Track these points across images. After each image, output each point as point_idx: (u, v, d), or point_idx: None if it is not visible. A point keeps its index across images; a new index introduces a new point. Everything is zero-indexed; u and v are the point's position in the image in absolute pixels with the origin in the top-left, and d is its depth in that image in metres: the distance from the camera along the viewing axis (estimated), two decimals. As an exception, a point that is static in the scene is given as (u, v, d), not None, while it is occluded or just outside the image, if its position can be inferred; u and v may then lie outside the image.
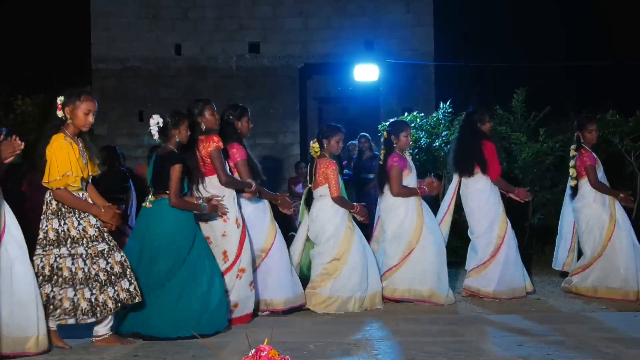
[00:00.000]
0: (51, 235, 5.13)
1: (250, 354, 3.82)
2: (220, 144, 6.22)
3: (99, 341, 5.30)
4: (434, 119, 10.85)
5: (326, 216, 6.96)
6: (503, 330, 5.78)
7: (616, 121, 10.12)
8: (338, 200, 6.92)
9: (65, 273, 5.08)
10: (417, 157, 10.54)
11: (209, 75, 14.21)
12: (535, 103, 11.02)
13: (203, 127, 6.26)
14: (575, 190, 7.72)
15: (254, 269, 6.53)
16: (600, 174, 7.63)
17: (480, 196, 7.51)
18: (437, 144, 10.34)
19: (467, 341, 5.38)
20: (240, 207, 6.39)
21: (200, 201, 5.87)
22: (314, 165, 7.07)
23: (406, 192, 7.23)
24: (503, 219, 7.44)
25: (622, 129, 10.10)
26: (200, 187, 6.20)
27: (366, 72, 13.84)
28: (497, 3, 17.50)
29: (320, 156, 7.05)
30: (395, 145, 7.33)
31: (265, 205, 6.76)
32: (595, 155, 7.67)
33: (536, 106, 10.97)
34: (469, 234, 7.70)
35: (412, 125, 10.77)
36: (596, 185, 7.53)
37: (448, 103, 10.88)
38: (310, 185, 7.14)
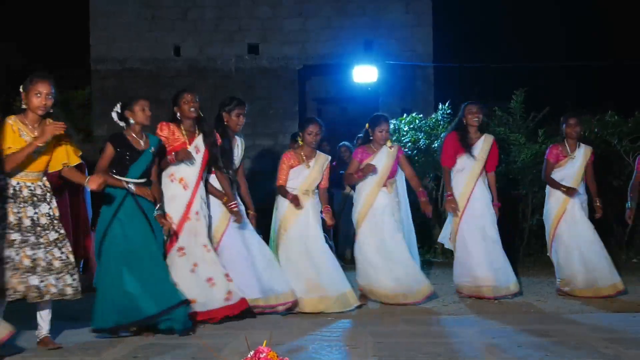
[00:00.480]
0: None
1: (249, 355, 3.83)
2: (157, 131, 6.24)
3: (40, 343, 5.28)
4: (433, 120, 10.86)
5: (277, 205, 7.13)
6: (502, 331, 5.78)
7: (615, 122, 10.14)
8: (278, 190, 7.07)
9: (26, 262, 5.09)
10: (416, 158, 10.54)
11: (208, 76, 14.22)
12: (534, 104, 11.02)
13: (178, 115, 6.35)
14: None
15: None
16: (565, 170, 7.64)
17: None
18: (436, 145, 10.34)
19: (466, 342, 5.38)
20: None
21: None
22: None
23: (349, 179, 7.41)
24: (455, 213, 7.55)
25: (621, 130, 10.12)
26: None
27: (365, 73, 13.84)
28: (497, 4, 17.50)
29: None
30: (371, 138, 7.42)
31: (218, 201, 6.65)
32: (570, 152, 7.67)
33: (535, 107, 10.97)
34: None
35: (411, 126, 10.79)
36: (545, 179, 7.73)
37: (447, 104, 10.89)
38: None
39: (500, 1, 17.62)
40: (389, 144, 7.40)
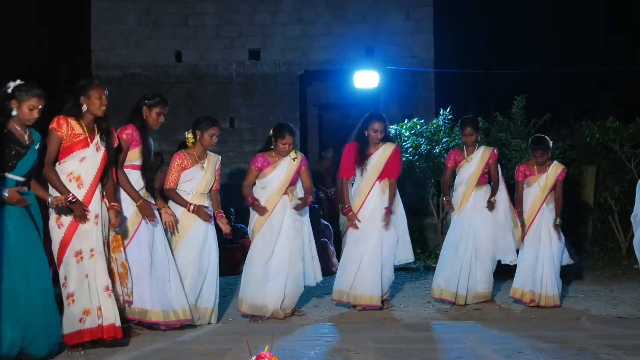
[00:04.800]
0: None
1: (250, 361, 3.83)
2: (54, 125, 5.40)
3: None
4: (434, 125, 10.87)
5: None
6: (503, 337, 5.77)
7: (616, 128, 10.14)
8: (168, 193, 6.54)
9: None
10: (417, 163, 10.56)
11: (208, 82, 14.24)
12: (535, 110, 11.04)
13: (84, 107, 5.55)
14: None
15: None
16: (462, 174, 7.67)
17: None
18: (437, 150, 10.35)
19: (467, 348, 5.37)
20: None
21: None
22: None
23: (245, 191, 6.93)
24: (346, 223, 7.43)
25: (622, 136, 10.12)
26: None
27: (366, 79, 13.85)
28: (497, 10, 17.52)
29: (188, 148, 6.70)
30: (272, 147, 6.99)
31: (129, 202, 5.98)
32: (471, 156, 7.63)
33: (536, 113, 10.98)
34: None
35: (413, 131, 10.80)
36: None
37: (448, 110, 10.90)
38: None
39: (502, 7, 17.63)
40: (293, 155, 7.03)
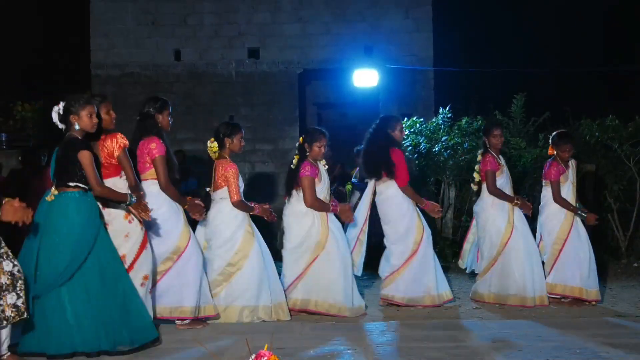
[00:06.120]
0: None
1: (250, 359, 3.83)
2: (127, 142, 5.70)
3: None
4: (434, 124, 10.87)
5: (224, 219, 6.56)
6: (503, 336, 5.77)
7: (615, 126, 10.12)
8: (238, 205, 6.55)
9: None
10: (417, 162, 10.55)
11: (207, 81, 14.24)
12: (534, 108, 11.03)
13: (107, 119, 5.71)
14: (478, 193, 7.72)
15: (160, 274, 6.08)
16: (503, 180, 7.52)
17: (393, 201, 7.35)
18: (437, 149, 10.35)
19: (467, 347, 5.38)
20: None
21: (128, 195, 5.42)
22: (213, 167, 6.72)
23: (319, 206, 6.83)
24: (419, 224, 7.25)
25: (621, 134, 10.10)
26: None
27: (365, 78, 13.84)
28: (497, 8, 17.54)
29: (219, 157, 6.73)
30: (307, 154, 6.95)
31: (179, 206, 6.23)
32: (501, 161, 7.57)
33: (535, 111, 10.98)
34: (384, 241, 7.46)
35: (412, 130, 10.79)
36: (492, 190, 7.48)
37: (447, 108, 10.90)
38: (207, 189, 6.77)
39: (501, 6, 17.65)
40: (323, 161, 7.08)
